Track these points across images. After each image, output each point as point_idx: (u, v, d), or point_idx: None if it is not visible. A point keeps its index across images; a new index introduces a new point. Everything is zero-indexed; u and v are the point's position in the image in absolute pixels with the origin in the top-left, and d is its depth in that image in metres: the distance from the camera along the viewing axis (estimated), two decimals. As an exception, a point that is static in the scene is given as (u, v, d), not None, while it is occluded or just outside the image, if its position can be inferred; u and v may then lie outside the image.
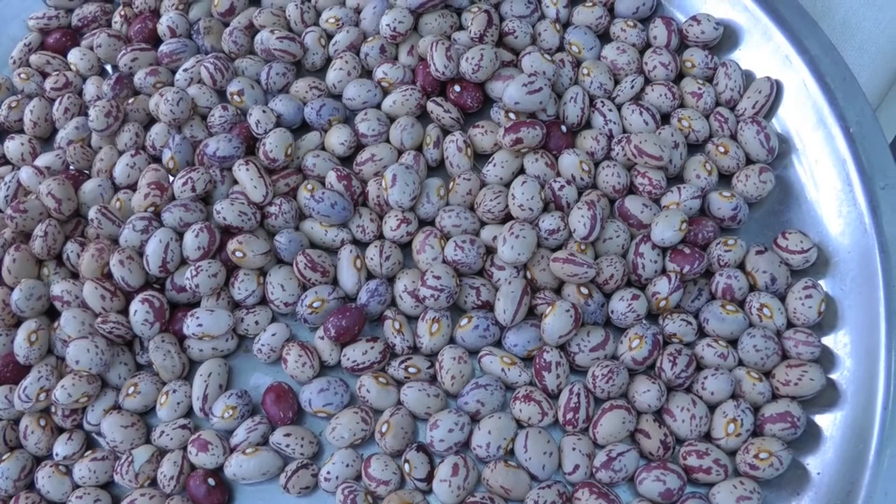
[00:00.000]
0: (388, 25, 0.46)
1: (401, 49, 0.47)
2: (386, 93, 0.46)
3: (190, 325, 0.41)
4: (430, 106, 0.45)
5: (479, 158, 0.45)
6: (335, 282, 0.42)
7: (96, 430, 0.41)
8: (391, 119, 0.45)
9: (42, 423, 0.41)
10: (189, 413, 0.41)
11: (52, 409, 0.41)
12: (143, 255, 0.42)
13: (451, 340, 0.41)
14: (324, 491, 0.40)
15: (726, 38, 0.46)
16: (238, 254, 0.42)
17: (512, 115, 0.44)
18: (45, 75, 0.49)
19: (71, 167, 0.46)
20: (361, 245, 0.43)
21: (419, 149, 0.45)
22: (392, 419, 0.39)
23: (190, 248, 0.42)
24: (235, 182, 0.44)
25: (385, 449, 0.39)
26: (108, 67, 0.49)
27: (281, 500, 0.40)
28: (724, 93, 0.45)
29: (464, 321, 0.41)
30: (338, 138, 0.45)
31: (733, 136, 0.44)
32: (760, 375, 0.39)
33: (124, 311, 0.42)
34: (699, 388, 0.39)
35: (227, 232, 0.43)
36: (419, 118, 0.45)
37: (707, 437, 0.39)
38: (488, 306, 0.41)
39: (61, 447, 0.41)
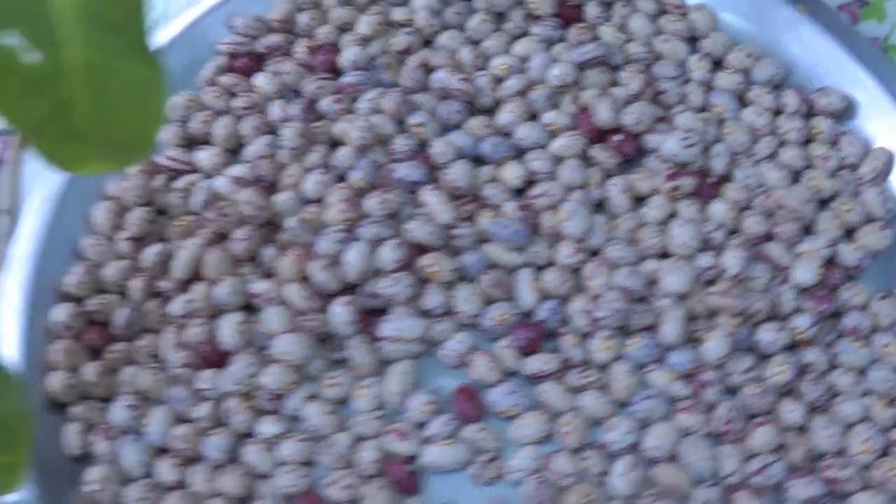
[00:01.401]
0: (556, 76, 0.52)
1: (565, 98, 0.52)
2: (553, 136, 0.52)
3: (385, 329, 0.46)
4: (594, 151, 0.51)
5: (637, 200, 0.51)
6: (515, 299, 0.48)
7: (297, 414, 0.46)
8: (558, 159, 0.51)
9: (247, 404, 0.46)
10: (385, 406, 0.46)
11: (256, 393, 0.46)
12: (341, 263, 0.47)
13: (621, 356, 0.47)
14: (510, 482, 0.45)
15: (848, 108, 0.53)
16: (430, 269, 0.47)
17: (666, 165, 0.50)
18: (232, 95, 0.54)
19: (260, 180, 0.51)
20: (537, 268, 0.49)
21: (584, 187, 0.50)
22: (572, 421, 0.45)
23: (386, 261, 0.47)
24: (418, 205, 0.49)
25: (566, 446, 0.45)
26: (291, 92, 0.54)
27: (470, 489, 0.45)
28: (847, 157, 0.52)
29: (632, 340, 0.47)
30: (512, 172, 0.50)
31: (856, 196, 0.51)
32: (888, 402, 0.46)
33: (322, 311, 0.47)
34: (835, 410, 0.46)
35: (417, 248, 0.48)
36: (582, 160, 0.51)
37: (843, 452, 0.45)
38: (653, 329, 0.47)
39: (264, 426, 0.45)
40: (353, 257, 0.47)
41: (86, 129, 0.35)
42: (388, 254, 0.47)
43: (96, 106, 0.34)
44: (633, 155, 0.52)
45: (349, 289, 0.48)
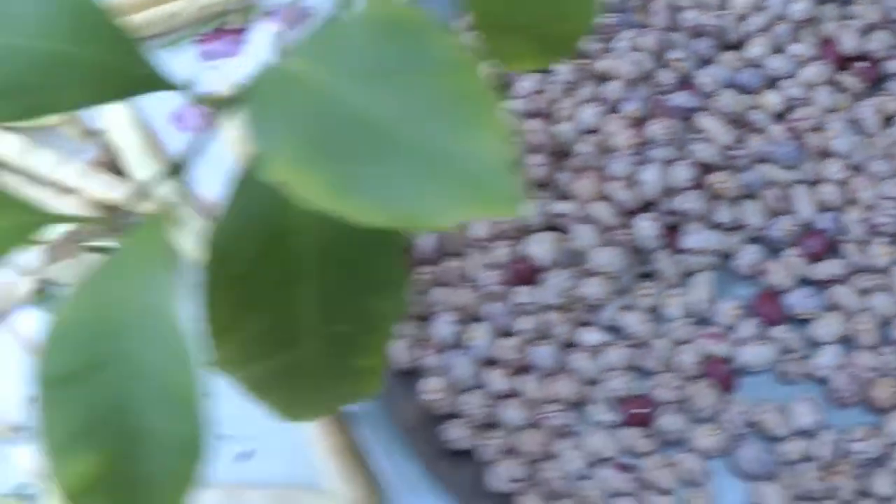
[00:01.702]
0: (799, 11, 0.56)
1: (807, 31, 0.57)
2: (801, 65, 0.56)
3: (689, 241, 0.50)
4: (842, 77, 0.55)
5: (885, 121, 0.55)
6: (795, 212, 0.52)
7: (614, 324, 0.49)
8: (810, 86, 0.55)
9: (566, 317, 0.49)
10: (692, 314, 0.50)
11: (573, 306, 0.49)
12: (638, 183, 0.51)
13: (899, 259, 0.52)
14: (814, 380, 0.49)
15: None
16: (721, 185, 0.51)
17: (908, 87, 0.55)
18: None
19: (537, 114, 0.54)
20: (809, 183, 0.53)
21: (837, 110, 0.55)
22: (868, 320, 0.49)
23: (680, 179, 0.51)
24: (692, 130, 0.53)
25: (864, 344, 0.49)
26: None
27: (774, 387, 0.49)
28: None
29: (908, 242, 0.52)
30: (773, 99, 0.55)
31: None
32: None
33: (627, 227, 0.51)
34: None
35: (703, 167, 0.52)
36: (832, 86, 0.55)
37: None
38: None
39: (586, 336, 0.49)
40: (652, 176, 0.51)
41: (527, 25, 0.38)
42: (682, 173, 0.51)
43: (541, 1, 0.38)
44: (876, 80, 0.56)
45: (642, 208, 0.52)
